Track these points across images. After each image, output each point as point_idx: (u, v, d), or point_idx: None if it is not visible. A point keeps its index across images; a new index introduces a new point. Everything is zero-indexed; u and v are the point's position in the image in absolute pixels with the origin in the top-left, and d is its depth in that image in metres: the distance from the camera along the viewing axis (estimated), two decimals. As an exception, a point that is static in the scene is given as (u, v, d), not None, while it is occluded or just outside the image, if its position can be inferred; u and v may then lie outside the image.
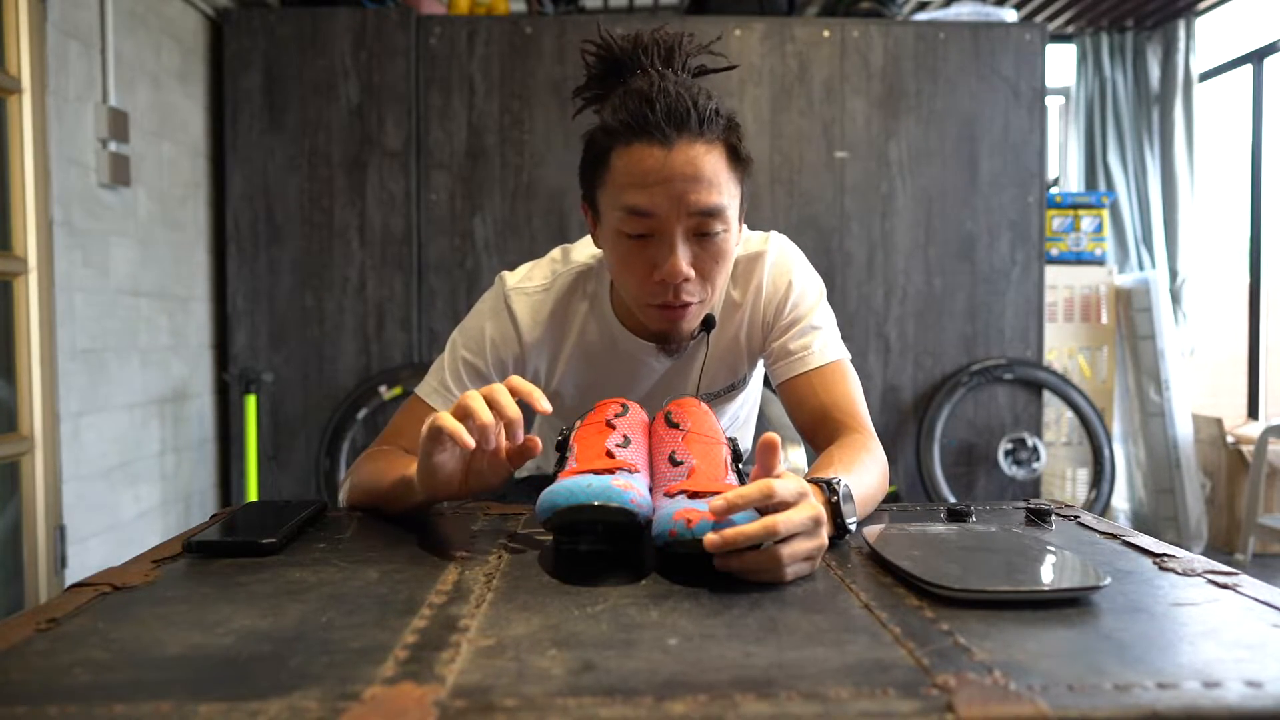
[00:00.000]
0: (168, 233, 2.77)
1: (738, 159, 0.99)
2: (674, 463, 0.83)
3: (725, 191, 0.97)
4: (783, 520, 0.67)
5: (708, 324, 1.11)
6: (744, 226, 1.14)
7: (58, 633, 0.59)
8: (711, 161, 0.95)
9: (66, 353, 2.26)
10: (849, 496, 0.82)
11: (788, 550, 0.68)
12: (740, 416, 1.30)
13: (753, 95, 3.14)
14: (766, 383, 1.24)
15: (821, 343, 1.10)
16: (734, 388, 1.20)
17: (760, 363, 1.22)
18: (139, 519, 2.62)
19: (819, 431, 1.07)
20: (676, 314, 1.01)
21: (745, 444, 1.36)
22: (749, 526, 0.66)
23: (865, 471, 0.93)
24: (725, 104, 0.99)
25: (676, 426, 0.89)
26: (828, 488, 0.81)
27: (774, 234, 1.17)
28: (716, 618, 0.62)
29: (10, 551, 2.17)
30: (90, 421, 2.37)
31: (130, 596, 0.68)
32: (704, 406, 0.95)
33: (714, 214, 0.96)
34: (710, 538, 0.66)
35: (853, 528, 0.82)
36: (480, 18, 3.11)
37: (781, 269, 1.13)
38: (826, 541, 0.73)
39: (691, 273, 0.98)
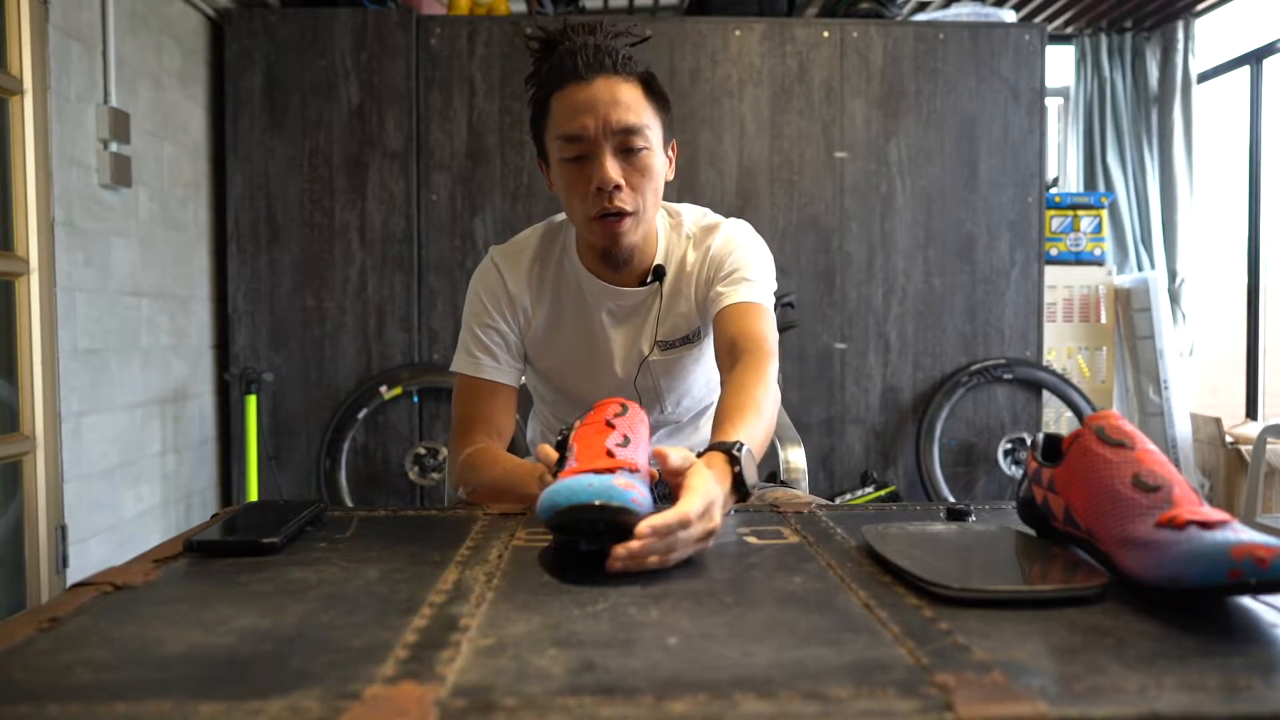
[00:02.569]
0: (169, 233, 2.77)
1: (654, 93, 1.18)
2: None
3: (643, 114, 1.16)
4: (682, 536, 0.75)
5: (658, 274, 1.26)
6: (674, 161, 1.27)
7: (59, 632, 0.59)
8: (627, 90, 1.15)
9: (68, 353, 2.26)
10: (750, 461, 0.93)
11: (678, 553, 0.76)
12: (701, 379, 1.36)
13: (753, 95, 3.14)
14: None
15: (749, 289, 1.23)
16: (689, 339, 1.31)
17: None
18: (140, 518, 2.62)
19: (727, 356, 1.18)
20: (615, 224, 1.17)
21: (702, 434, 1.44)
22: (650, 553, 0.74)
23: (759, 414, 1.04)
24: (644, 62, 1.20)
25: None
26: (730, 458, 0.92)
27: (735, 219, 1.33)
28: (716, 618, 0.62)
29: (12, 551, 2.17)
30: (91, 421, 2.37)
31: (131, 596, 0.68)
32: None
33: (633, 131, 1.14)
34: (616, 556, 0.72)
35: (751, 489, 0.92)
36: (480, 18, 3.12)
37: (731, 240, 1.28)
38: (711, 541, 0.80)
39: (621, 181, 1.15)
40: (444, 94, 3.06)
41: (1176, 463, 3.76)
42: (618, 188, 1.14)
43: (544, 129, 1.20)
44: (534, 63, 1.22)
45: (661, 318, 1.28)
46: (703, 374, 1.36)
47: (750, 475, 0.93)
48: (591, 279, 1.27)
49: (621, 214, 1.16)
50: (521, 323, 1.30)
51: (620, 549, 0.73)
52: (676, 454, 0.84)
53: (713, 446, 0.95)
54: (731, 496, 0.91)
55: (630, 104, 1.14)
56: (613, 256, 1.23)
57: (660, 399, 1.33)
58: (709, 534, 0.79)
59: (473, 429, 1.25)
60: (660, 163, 1.20)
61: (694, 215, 1.33)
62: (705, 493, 0.79)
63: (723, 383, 1.16)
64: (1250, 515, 3.42)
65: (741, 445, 0.93)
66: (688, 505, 0.77)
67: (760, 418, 1.04)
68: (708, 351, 1.33)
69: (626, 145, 1.15)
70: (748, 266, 1.25)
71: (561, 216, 1.34)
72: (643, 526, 0.73)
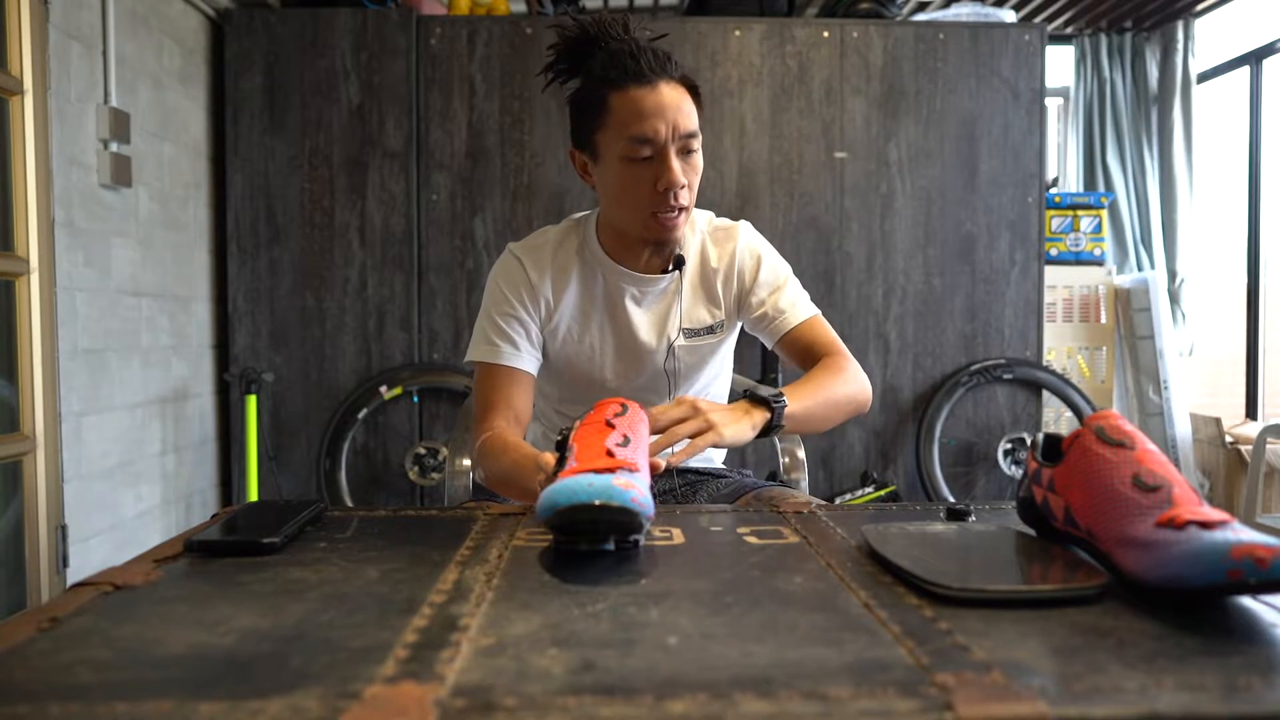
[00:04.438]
0: (169, 233, 2.77)
1: (698, 97, 1.25)
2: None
3: (697, 120, 1.24)
4: (660, 415, 1.06)
5: (679, 263, 1.32)
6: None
7: (59, 632, 0.59)
8: (685, 96, 1.22)
9: (68, 353, 2.26)
10: (772, 397, 1.14)
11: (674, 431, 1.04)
12: (712, 369, 1.43)
13: (753, 95, 3.14)
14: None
15: (804, 303, 1.38)
16: (713, 330, 1.37)
17: (736, 333, 1.45)
18: (140, 518, 2.62)
19: (806, 361, 1.35)
20: (672, 220, 1.24)
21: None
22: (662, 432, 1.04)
23: (824, 381, 1.26)
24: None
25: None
26: (753, 396, 1.15)
27: (743, 221, 1.41)
28: (716, 617, 0.62)
29: (12, 551, 2.17)
30: (92, 421, 2.37)
31: (131, 596, 0.68)
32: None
33: (694, 135, 1.23)
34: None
35: (776, 407, 1.14)
36: (480, 18, 3.12)
37: (751, 247, 1.38)
38: (708, 423, 1.06)
39: (685, 180, 1.22)
40: (444, 94, 3.06)
41: (1176, 463, 3.76)
42: (682, 187, 1.22)
43: (597, 126, 1.23)
44: (558, 54, 1.26)
45: (686, 307, 1.34)
46: (716, 366, 1.42)
47: (769, 395, 1.14)
48: (614, 266, 1.32)
49: (680, 210, 1.24)
50: (542, 313, 1.33)
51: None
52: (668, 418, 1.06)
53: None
54: (753, 409, 1.13)
55: (690, 110, 1.22)
56: (664, 245, 1.31)
57: (675, 386, 1.37)
58: (702, 415, 1.06)
59: (491, 413, 1.27)
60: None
61: (704, 215, 1.40)
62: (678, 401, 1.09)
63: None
64: (1250, 515, 3.42)
65: (759, 387, 1.15)
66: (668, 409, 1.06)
67: (813, 385, 1.24)
68: (725, 344, 1.41)
69: (688, 148, 1.22)
70: (785, 278, 1.38)
71: (577, 216, 1.38)
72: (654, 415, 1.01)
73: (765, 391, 1.15)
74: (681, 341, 1.34)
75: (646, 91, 1.18)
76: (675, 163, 1.20)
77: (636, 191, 1.22)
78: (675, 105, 1.19)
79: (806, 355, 1.34)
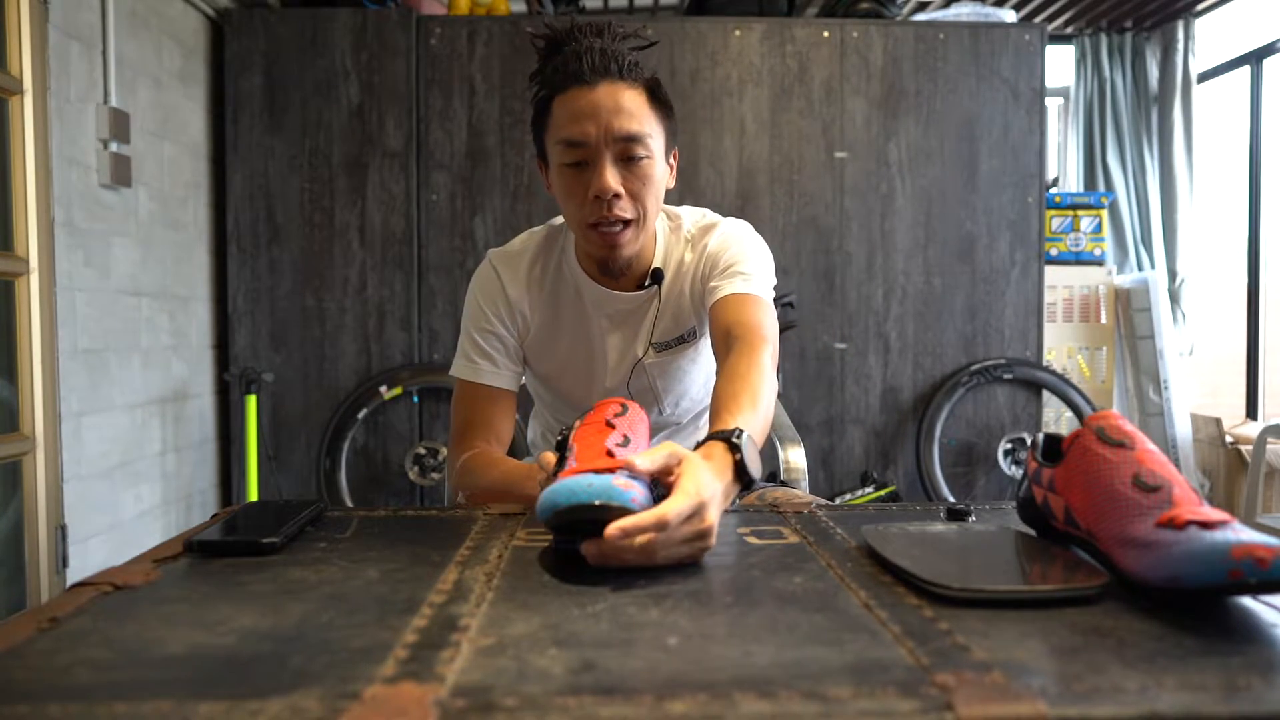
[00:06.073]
0: (169, 233, 2.77)
1: (659, 100, 1.16)
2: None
3: (646, 123, 1.13)
4: (661, 539, 0.72)
5: (657, 278, 1.24)
6: (675, 168, 1.25)
7: (59, 632, 0.59)
8: (631, 97, 1.13)
9: (68, 352, 2.26)
10: (751, 447, 0.90)
11: (662, 554, 0.73)
12: (698, 379, 1.35)
13: (753, 95, 3.14)
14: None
15: (744, 282, 1.20)
16: (683, 340, 1.29)
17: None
18: (140, 519, 2.62)
19: (722, 345, 1.15)
20: (613, 235, 1.15)
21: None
22: (637, 530, 0.71)
23: (755, 401, 1.02)
24: (649, 66, 1.18)
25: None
26: (730, 446, 0.89)
27: (734, 218, 1.31)
28: (716, 617, 0.62)
29: (12, 551, 2.17)
30: (91, 421, 2.37)
31: (131, 596, 0.68)
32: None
33: (635, 139, 1.12)
34: (609, 530, 0.70)
35: (756, 476, 0.89)
36: (480, 18, 3.12)
37: (728, 237, 1.26)
38: (711, 541, 0.76)
39: (621, 189, 1.12)
40: (444, 94, 3.06)
41: (1176, 463, 3.76)
42: (617, 196, 1.12)
43: (545, 131, 1.18)
44: (539, 61, 1.20)
45: (658, 319, 1.27)
46: (700, 374, 1.35)
47: (752, 462, 0.89)
48: (590, 283, 1.26)
49: (620, 222, 1.14)
50: (520, 326, 1.29)
51: (590, 545, 0.72)
52: (645, 460, 0.78)
53: (711, 436, 0.91)
54: (735, 486, 0.88)
55: (633, 111, 1.12)
56: (609, 266, 1.21)
57: (658, 400, 1.32)
58: (700, 535, 0.75)
59: (471, 434, 1.24)
60: (661, 171, 1.18)
61: (693, 216, 1.31)
62: (695, 493, 0.75)
63: (718, 371, 1.12)
64: (1250, 515, 3.42)
65: (741, 432, 0.90)
66: (670, 506, 0.73)
67: (757, 404, 1.01)
68: (704, 351, 1.32)
69: (628, 153, 1.13)
70: (743, 261, 1.23)
71: (558, 221, 1.33)
72: (612, 528, 0.70)
73: (746, 459, 0.89)
74: (651, 357, 1.28)
75: (583, 92, 1.11)
76: (609, 169, 1.11)
77: (574, 198, 1.15)
78: (612, 107, 1.11)
79: (725, 335, 1.15)
